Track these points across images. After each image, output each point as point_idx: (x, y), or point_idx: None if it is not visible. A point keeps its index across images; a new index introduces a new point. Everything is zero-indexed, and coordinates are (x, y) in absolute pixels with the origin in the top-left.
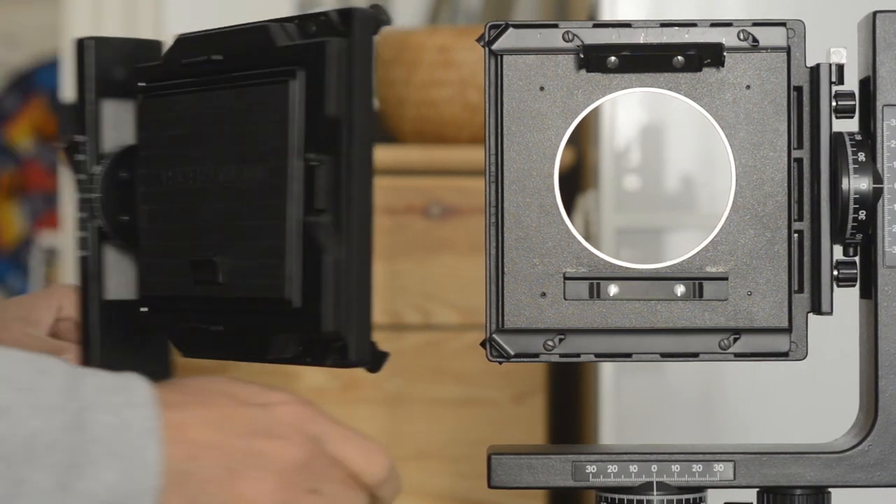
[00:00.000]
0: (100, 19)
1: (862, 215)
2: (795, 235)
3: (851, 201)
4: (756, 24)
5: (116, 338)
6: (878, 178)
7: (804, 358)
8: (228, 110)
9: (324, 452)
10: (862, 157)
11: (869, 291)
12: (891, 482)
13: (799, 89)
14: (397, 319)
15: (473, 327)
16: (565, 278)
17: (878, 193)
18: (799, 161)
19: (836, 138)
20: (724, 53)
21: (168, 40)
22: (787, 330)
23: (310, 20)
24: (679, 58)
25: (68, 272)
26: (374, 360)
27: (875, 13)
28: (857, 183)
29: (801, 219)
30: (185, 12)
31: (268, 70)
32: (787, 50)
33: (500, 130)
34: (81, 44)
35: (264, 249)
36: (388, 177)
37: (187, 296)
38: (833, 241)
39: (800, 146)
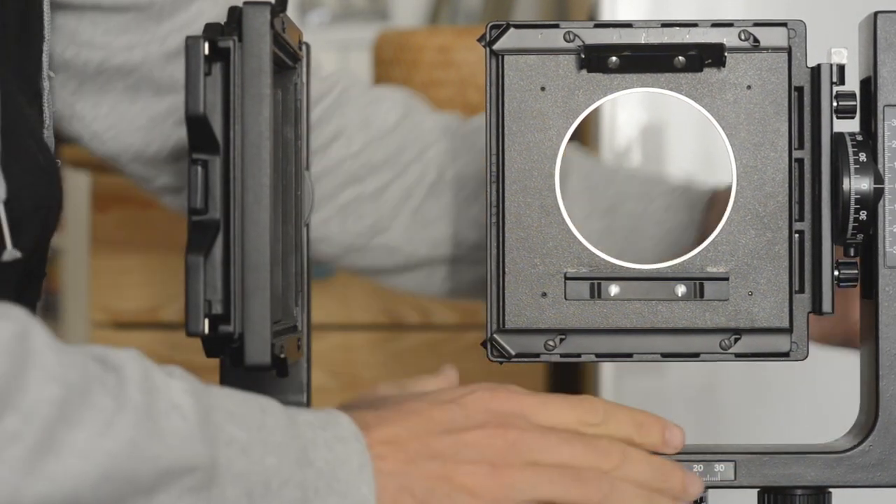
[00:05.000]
0: None
1: (863, 216)
2: (796, 236)
3: (852, 202)
4: (757, 24)
5: None
6: (879, 179)
7: (805, 358)
8: None
9: (531, 425)
10: (863, 157)
11: (870, 292)
12: (892, 482)
13: (800, 89)
14: (397, 319)
15: (473, 327)
16: (566, 278)
17: (879, 194)
18: (800, 161)
19: (837, 139)
20: (726, 54)
21: None
22: (788, 330)
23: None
24: (680, 58)
25: (69, 272)
26: (277, 364)
27: (876, 13)
28: (858, 183)
29: (801, 219)
30: None
31: None
32: (788, 50)
33: (500, 130)
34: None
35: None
36: None
37: None
38: (834, 241)
39: (801, 146)
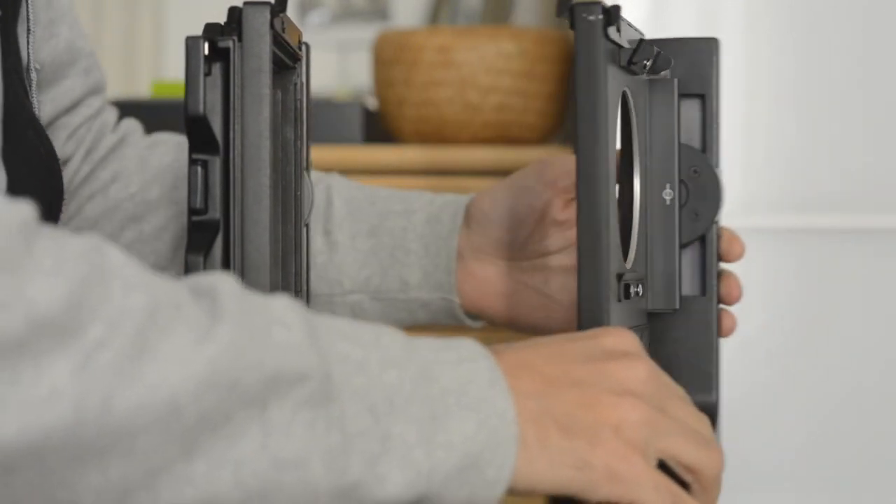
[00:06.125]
0: (100, 19)
1: (692, 219)
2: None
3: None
4: None
5: None
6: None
7: None
8: None
9: (658, 373)
10: (696, 168)
11: (704, 289)
12: None
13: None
14: None
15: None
16: (619, 279)
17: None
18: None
19: (683, 148)
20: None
21: (168, 40)
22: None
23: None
24: (646, 62)
25: None
26: None
27: (704, 38)
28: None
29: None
30: (186, 12)
31: None
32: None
33: (595, 125)
34: None
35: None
36: (388, 177)
37: None
38: (681, 244)
39: (649, 154)
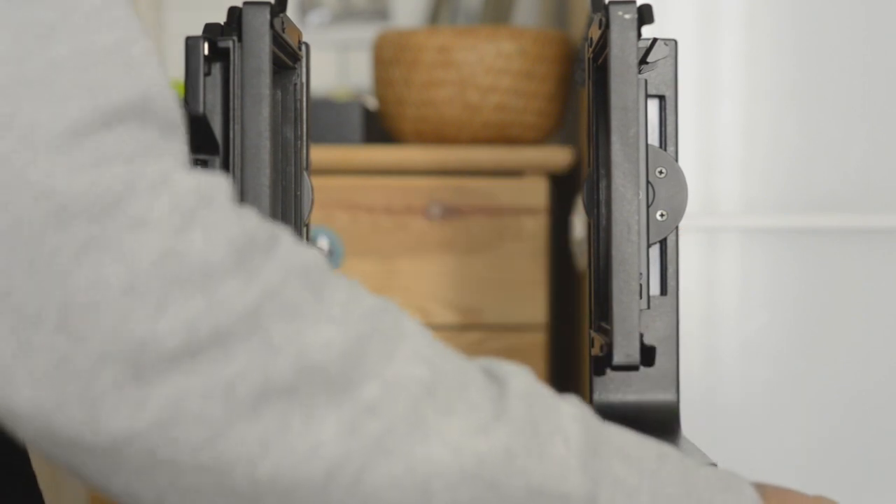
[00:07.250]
0: None
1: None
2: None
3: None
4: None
5: None
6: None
7: None
8: None
9: None
10: (661, 169)
11: (665, 289)
12: None
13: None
14: None
15: (473, 327)
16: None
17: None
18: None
19: (649, 149)
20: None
21: (168, 40)
22: None
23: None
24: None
25: None
26: None
27: (663, 39)
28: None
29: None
30: (185, 12)
31: None
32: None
33: (629, 124)
34: None
35: None
36: (388, 177)
37: None
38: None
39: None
